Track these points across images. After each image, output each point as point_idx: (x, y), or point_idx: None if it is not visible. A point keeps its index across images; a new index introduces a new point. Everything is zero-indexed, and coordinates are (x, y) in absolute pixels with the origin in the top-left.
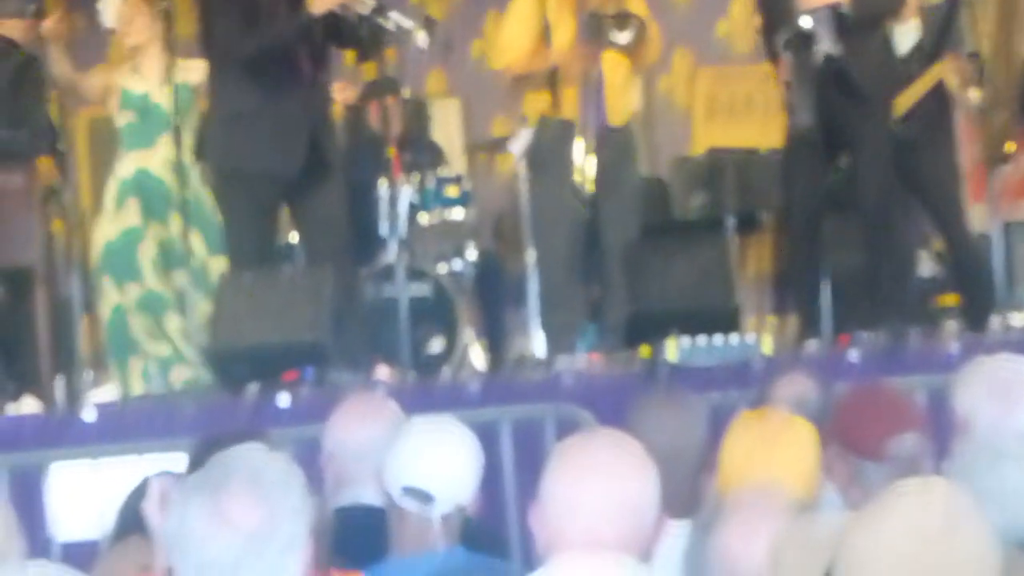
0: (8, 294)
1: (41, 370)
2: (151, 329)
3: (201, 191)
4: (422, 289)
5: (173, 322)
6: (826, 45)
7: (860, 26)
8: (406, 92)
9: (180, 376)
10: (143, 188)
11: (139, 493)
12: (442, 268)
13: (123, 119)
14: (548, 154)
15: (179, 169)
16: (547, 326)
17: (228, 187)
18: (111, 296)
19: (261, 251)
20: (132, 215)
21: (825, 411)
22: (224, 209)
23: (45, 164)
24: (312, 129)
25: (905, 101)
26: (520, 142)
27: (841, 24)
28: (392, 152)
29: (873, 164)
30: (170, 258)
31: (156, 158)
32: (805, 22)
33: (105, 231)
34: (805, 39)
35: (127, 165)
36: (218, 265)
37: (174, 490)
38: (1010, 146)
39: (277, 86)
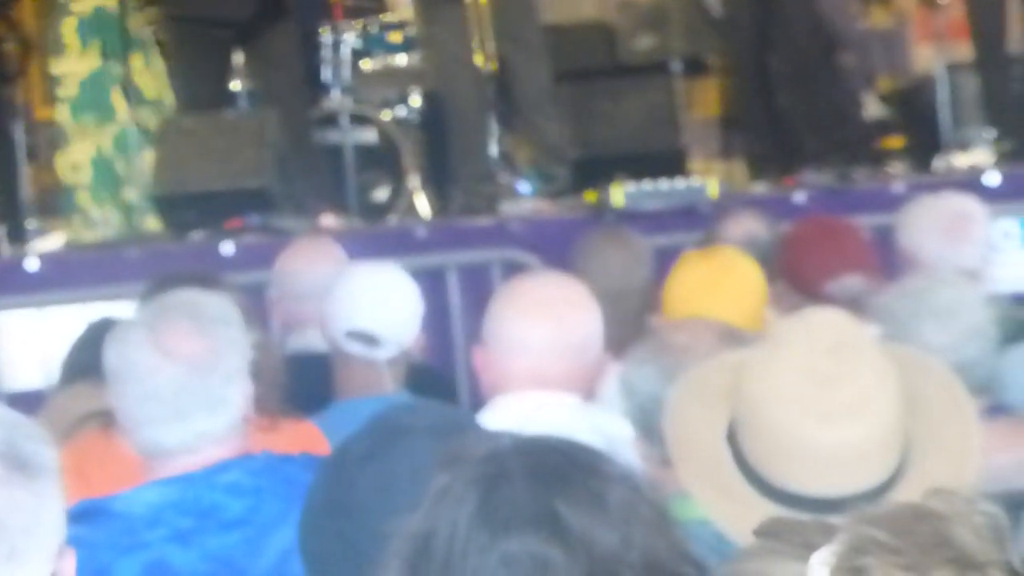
0: None
1: None
2: (127, 170)
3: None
4: (367, 135)
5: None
6: None
7: None
8: None
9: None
10: (103, 27)
11: (84, 340)
12: (386, 114)
13: None
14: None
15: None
16: (464, 181)
17: (180, 32)
18: (92, 137)
19: (213, 96)
20: (96, 55)
21: (773, 251)
22: (175, 55)
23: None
24: None
25: None
26: None
27: None
28: None
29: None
30: (131, 98)
31: None
32: None
33: (75, 70)
34: None
35: (83, 3)
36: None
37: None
38: None
39: None
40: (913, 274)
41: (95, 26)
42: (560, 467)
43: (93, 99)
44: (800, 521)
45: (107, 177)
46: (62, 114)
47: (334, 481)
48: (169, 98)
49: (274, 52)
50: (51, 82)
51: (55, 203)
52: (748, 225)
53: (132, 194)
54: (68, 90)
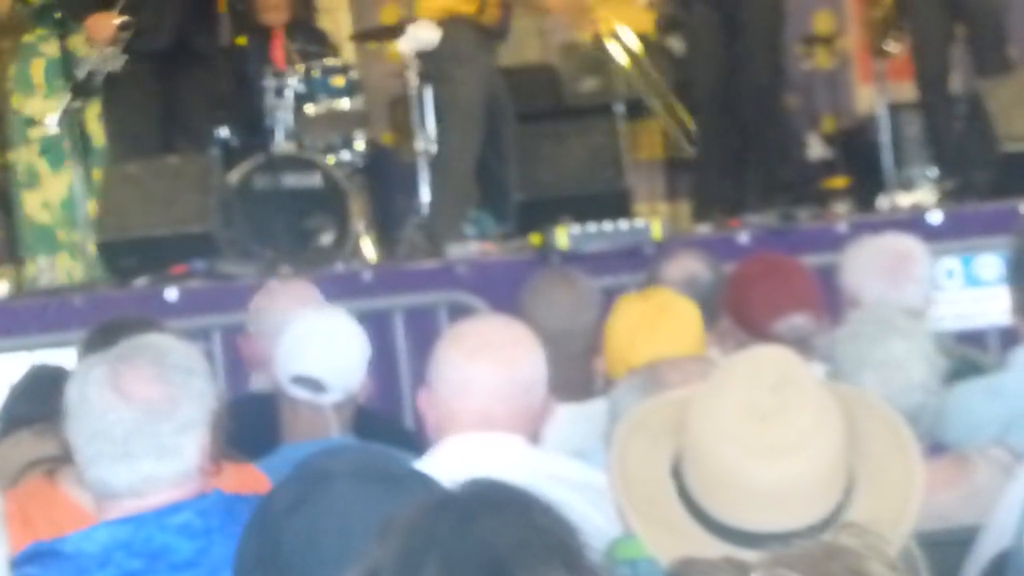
0: None
1: None
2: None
3: None
4: (311, 180)
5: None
6: None
7: None
8: None
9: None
10: (69, 70)
11: (24, 388)
12: (331, 159)
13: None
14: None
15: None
16: (439, 216)
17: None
18: (64, 176)
19: (137, 137)
20: (63, 97)
21: (716, 290)
22: (108, 91)
23: None
24: (183, 8)
25: None
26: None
27: None
28: (278, 41)
29: (760, 42)
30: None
31: (79, 39)
32: None
33: (44, 111)
34: None
35: (52, 44)
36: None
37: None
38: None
39: None
40: (861, 316)
41: (62, 69)
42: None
43: (57, 144)
44: (714, 562)
45: (77, 216)
46: (32, 155)
47: (262, 530)
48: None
49: (183, 97)
50: (17, 123)
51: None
52: (689, 265)
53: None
54: (40, 130)
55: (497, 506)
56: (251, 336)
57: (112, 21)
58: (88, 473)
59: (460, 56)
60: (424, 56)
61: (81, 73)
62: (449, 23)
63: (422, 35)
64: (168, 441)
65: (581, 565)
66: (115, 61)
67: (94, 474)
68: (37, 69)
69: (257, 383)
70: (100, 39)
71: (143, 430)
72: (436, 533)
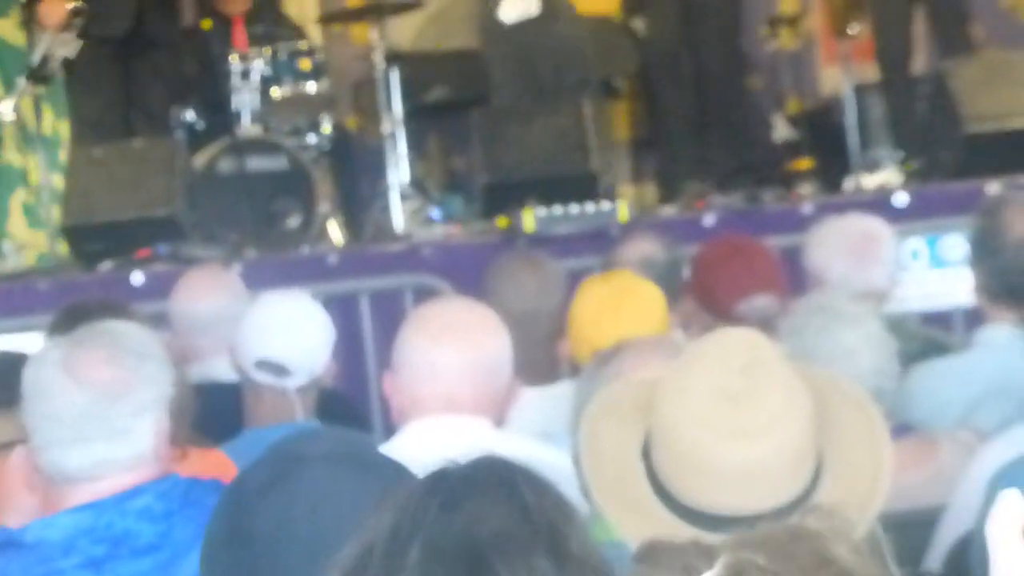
0: None
1: None
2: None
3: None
4: (277, 163)
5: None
6: None
7: None
8: None
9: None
10: (4, 60)
11: None
12: (297, 142)
13: None
14: None
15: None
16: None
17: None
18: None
19: (101, 110)
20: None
21: (672, 271)
22: (70, 75)
23: None
24: None
25: None
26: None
27: None
28: (239, 28)
29: (716, 24)
30: (24, 129)
31: (9, 23)
32: None
33: None
34: None
35: None
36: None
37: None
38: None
39: None
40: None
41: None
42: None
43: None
44: (679, 545)
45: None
46: None
47: (233, 512)
48: (64, 133)
49: (141, 81)
50: None
51: None
52: (644, 247)
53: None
54: None
55: (486, 488)
56: (177, 333)
57: (64, 6)
58: (43, 457)
59: None
60: None
61: (36, 58)
62: None
63: (523, 3)
64: (120, 424)
65: (567, 551)
66: (69, 46)
67: (48, 458)
68: None
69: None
70: (52, 24)
71: (94, 412)
72: (423, 515)
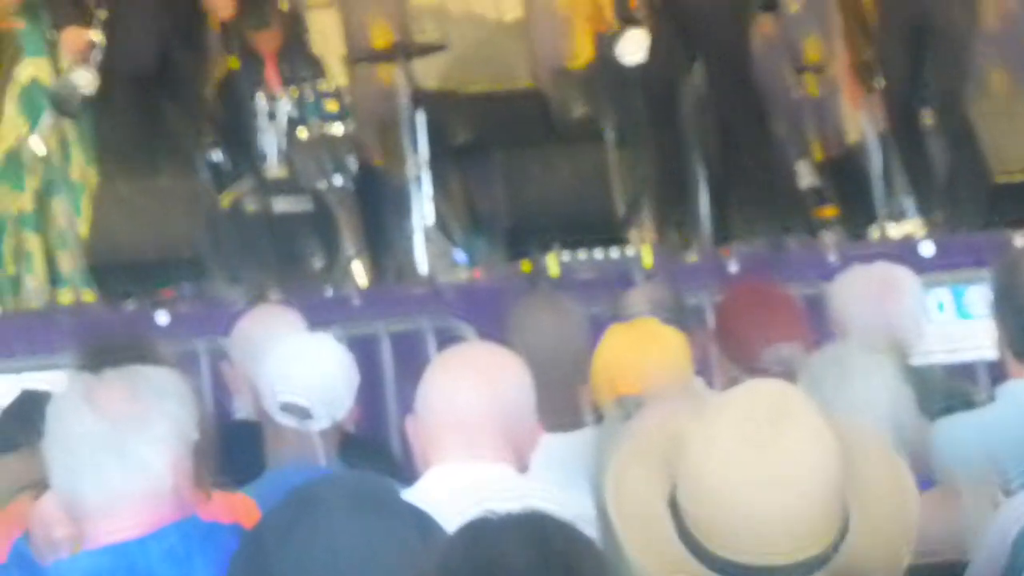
0: None
1: None
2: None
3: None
4: (302, 204)
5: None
6: None
7: None
8: (283, 3)
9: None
10: (34, 98)
11: (11, 412)
12: (322, 183)
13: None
14: None
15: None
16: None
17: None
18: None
19: (127, 148)
20: (21, 124)
21: (680, 317)
22: (97, 105)
23: None
24: (165, 30)
25: None
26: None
27: None
28: (271, 66)
29: (730, 71)
30: (51, 170)
31: (44, 63)
32: None
33: (4, 134)
34: None
35: (26, 71)
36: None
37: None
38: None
39: None
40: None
41: (27, 97)
42: None
43: (10, 171)
44: None
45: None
46: None
47: (253, 555)
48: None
49: (173, 113)
50: None
51: None
52: (652, 294)
53: (64, 262)
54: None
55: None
56: (233, 364)
57: (85, 36)
58: (60, 491)
59: None
60: None
61: (59, 91)
62: None
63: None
64: (136, 456)
65: None
66: (88, 82)
67: (65, 490)
68: (11, 95)
69: (240, 410)
70: (73, 53)
71: (111, 443)
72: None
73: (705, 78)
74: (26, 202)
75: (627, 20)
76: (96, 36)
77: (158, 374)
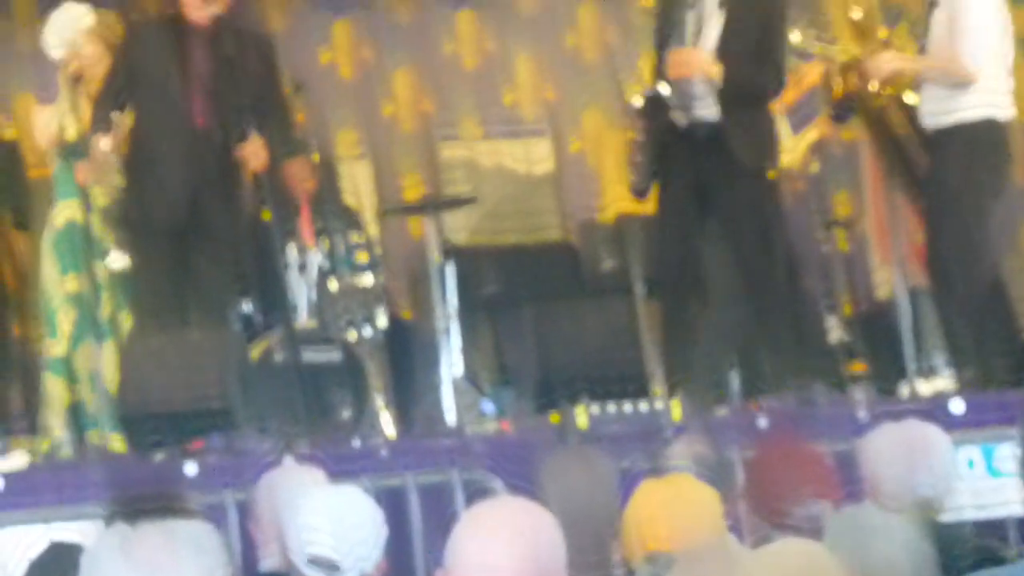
0: None
1: None
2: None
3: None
4: (332, 355)
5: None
6: (704, 109)
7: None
8: (314, 156)
9: (90, 438)
10: (70, 240)
11: (44, 561)
12: (352, 334)
13: (55, 165)
14: None
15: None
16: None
17: (127, 233)
18: (47, 347)
19: (158, 299)
20: (54, 267)
21: (724, 472)
22: (128, 255)
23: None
24: (196, 182)
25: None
26: None
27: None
28: (305, 215)
29: (752, 230)
30: (84, 314)
31: (75, 204)
32: (663, 88)
33: (42, 281)
34: (656, 104)
35: (58, 213)
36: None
37: None
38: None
39: (164, 137)
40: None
41: (62, 240)
42: None
43: (44, 312)
44: None
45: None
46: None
47: None
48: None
49: (201, 269)
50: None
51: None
52: (695, 448)
53: (92, 405)
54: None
55: None
56: (261, 516)
57: (103, 165)
58: None
59: None
60: None
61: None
62: None
63: None
64: None
65: None
66: (121, 263)
67: None
68: (48, 242)
69: (267, 564)
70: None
71: None
72: None
73: (733, 233)
74: (57, 347)
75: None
76: (110, 146)
77: (191, 527)
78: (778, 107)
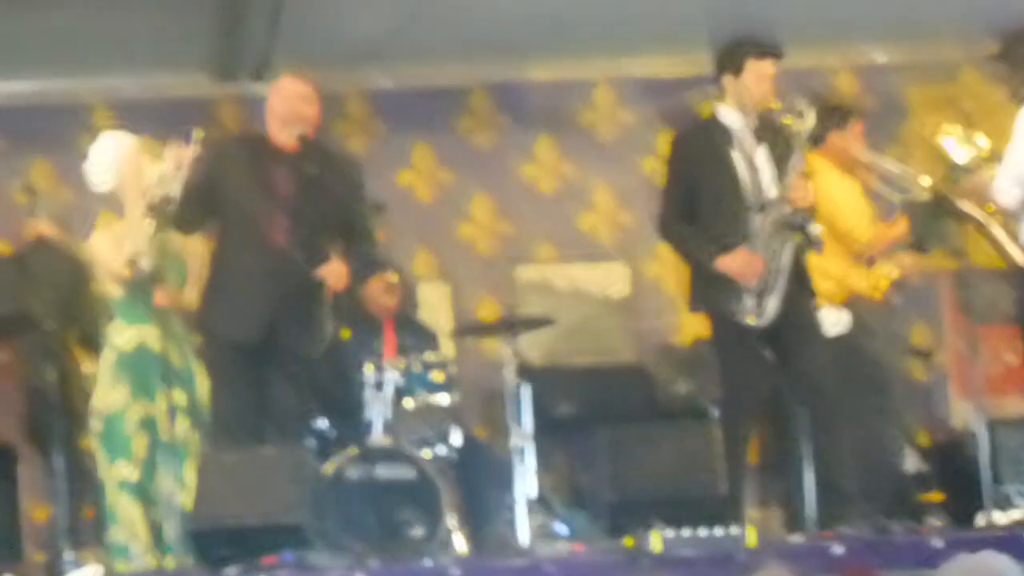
0: None
1: (23, 548)
2: (138, 513)
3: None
4: (405, 473)
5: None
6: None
7: None
8: (394, 276)
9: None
10: (143, 365)
11: None
12: (426, 452)
13: (115, 291)
14: None
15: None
16: None
17: (208, 350)
18: (106, 471)
19: (236, 415)
20: (125, 391)
21: None
22: (207, 372)
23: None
24: (276, 300)
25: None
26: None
27: None
28: (389, 332)
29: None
30: (156, 439)
31: (153, 332)
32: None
33: (104, 402)
34: None
35: (126, 337)
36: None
37: None
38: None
39: (245, 255)
40: None
41: (130, 363)
42: None
43: (113, 435)
44: None
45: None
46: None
47: None
48: (194, 445)
49: (277, 388)
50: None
51: (89, 534)
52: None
53: (169, 529)
54: (97, 424)
55: None
56: None
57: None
58: None
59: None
60: None
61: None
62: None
63: (836, 319)
64: None
65: None
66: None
67: None
68: (107, 361)
69: None
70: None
71: None
72: None
73: (810, 361)
74: (130, 471)
75: None
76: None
77: None
78: (859, 249)
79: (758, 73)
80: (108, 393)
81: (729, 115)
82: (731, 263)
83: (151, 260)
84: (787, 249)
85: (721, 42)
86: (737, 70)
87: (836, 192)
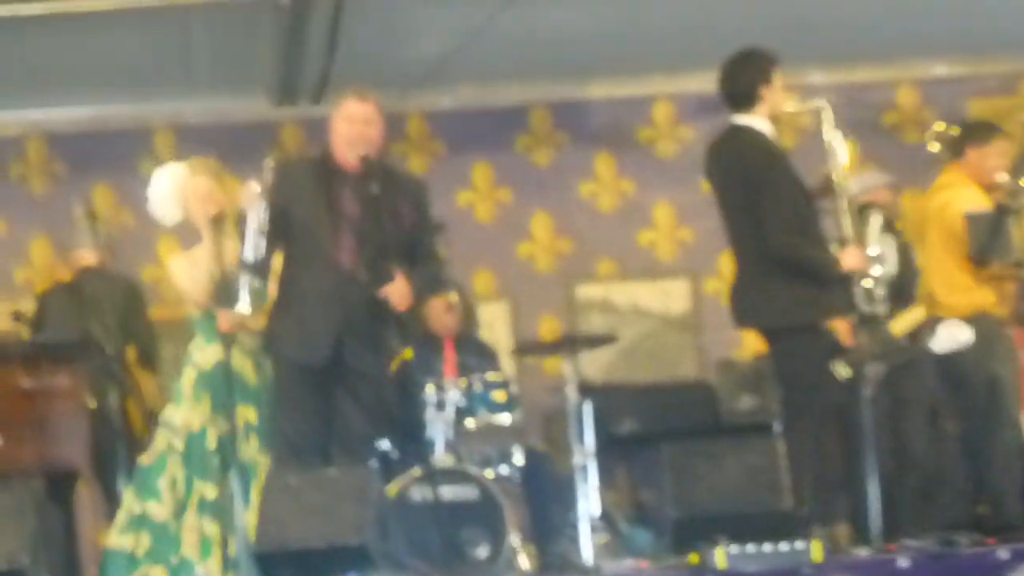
0: (49, 494)
1: (84, 573)
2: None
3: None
4: (468, 492)
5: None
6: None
7: None
8: (454, 295)
9: None
10: (217, 381)
11: None
12: (488, 472)
13: (194, 310)
14: None
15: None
16: None
17: (276, 371)
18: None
19: (301, 436)
20: (205, 410)
21: None
22: (278, 394)
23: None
24: (341, 320)
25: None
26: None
27: None
28: (450, 352)
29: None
30: (227, 455)
31: (237, 352)
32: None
33: (185, 421)
34: None
35: (207, 355)
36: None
37: None
38: None
39: (311, 276)
40: None
41: (210, 381)
42: None
43: (193, 455)
44: None
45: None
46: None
47: None
48: (263, 466)
49: (342, 408)
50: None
51: None
52: None
53: (234, 547)
54: (178, 444)
55: None
56: None
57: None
58: None
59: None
60: None
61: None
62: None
63: (957, 334)
64: None
65: None
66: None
67: None
68: (188, 379)
69: None
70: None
71: None
72: None
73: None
74: (208, 490)
75: None
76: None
77: None
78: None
79: (781, 81)
80: (189, 412)
81: (763, 125)
82: (852, 260)
83: (228, 283)
84: None
85: (741, 56)
86: (768, 80)
87: (968, 207)
